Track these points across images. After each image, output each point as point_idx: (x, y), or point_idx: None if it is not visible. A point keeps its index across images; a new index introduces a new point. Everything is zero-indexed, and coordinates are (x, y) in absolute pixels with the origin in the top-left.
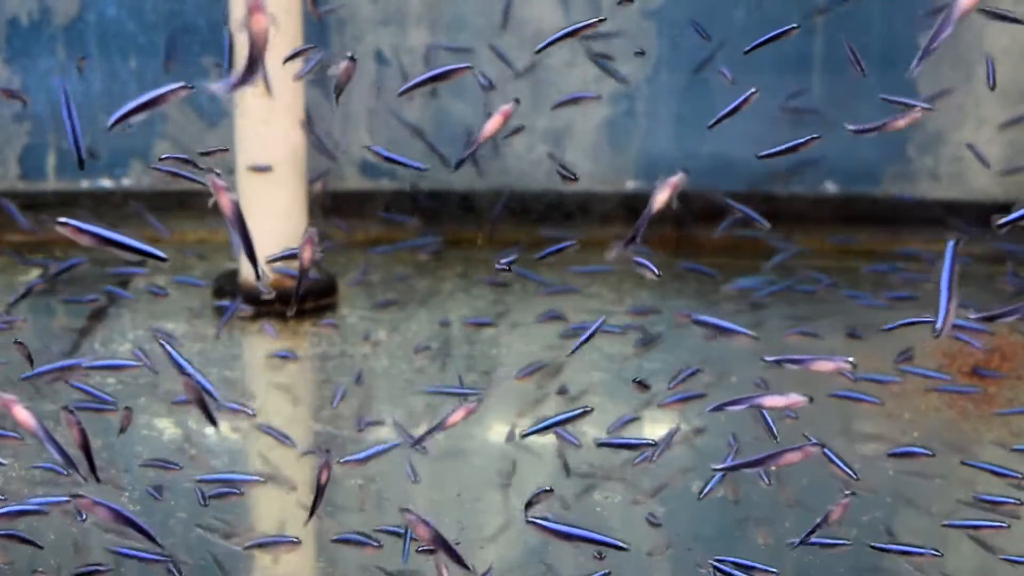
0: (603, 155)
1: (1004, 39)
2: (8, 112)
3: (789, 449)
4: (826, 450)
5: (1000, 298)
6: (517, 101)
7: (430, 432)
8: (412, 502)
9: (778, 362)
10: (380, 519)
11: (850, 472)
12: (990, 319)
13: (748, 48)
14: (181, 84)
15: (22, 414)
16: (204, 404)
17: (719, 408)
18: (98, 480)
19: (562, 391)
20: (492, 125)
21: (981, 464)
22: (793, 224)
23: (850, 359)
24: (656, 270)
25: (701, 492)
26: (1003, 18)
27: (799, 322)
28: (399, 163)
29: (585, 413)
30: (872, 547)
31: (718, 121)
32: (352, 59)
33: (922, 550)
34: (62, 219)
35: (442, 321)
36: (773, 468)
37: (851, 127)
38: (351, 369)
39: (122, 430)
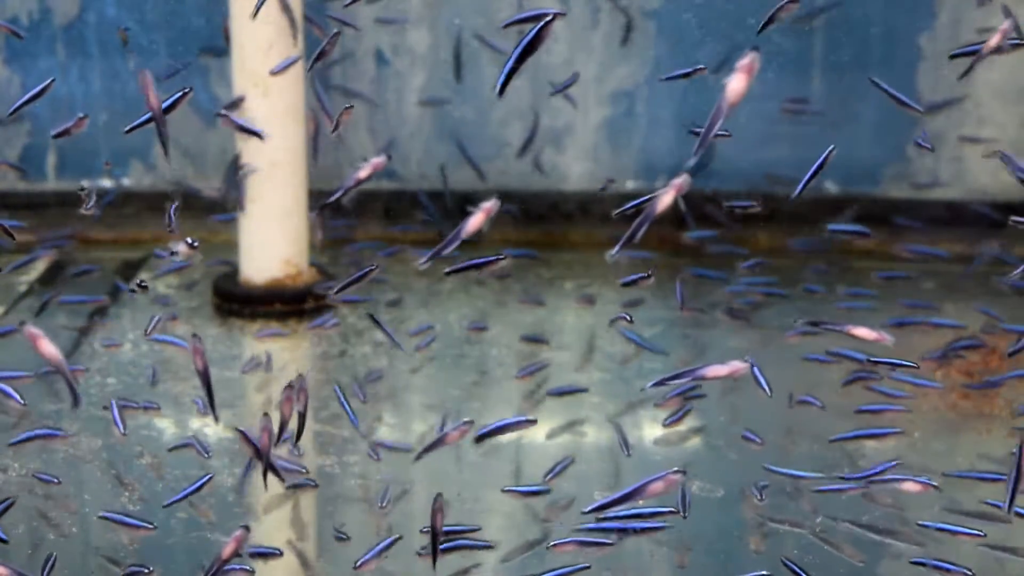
0: (603, 155)
1: None
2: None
3: (652, 480)
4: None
5: (997, 298)
6: (499, 199)
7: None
8: (412, 500)
9: (814, 324)
10: (380, 518)
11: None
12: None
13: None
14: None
15: (47, 347)
16: None
17: (661, 383)
18: None
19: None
20: (474, 223)
21: (962, 473)
22: (792, 224)
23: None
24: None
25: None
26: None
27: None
28: None
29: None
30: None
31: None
32: None
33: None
34: None
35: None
36: (640, 501)
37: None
38: (351, 369)
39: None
